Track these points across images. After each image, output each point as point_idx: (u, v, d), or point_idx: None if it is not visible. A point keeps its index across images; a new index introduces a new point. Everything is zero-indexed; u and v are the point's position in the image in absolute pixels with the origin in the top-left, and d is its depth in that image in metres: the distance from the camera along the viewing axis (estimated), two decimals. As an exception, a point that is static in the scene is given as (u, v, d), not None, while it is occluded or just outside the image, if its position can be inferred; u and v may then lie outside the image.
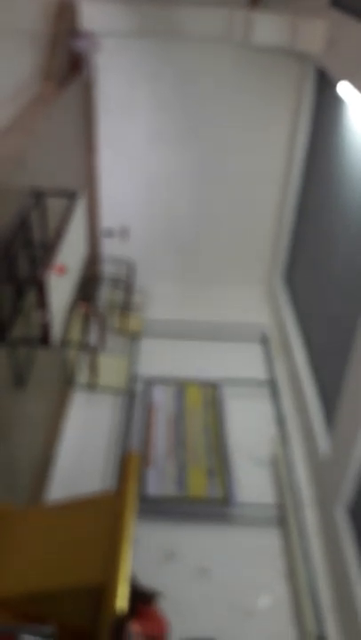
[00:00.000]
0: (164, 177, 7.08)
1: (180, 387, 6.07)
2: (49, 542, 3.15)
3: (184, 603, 4.01)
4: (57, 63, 5.21)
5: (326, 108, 5.86)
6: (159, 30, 5.66)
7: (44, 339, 3.65)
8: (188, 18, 5.44)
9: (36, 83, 4.88)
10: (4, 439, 3.95)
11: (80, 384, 6.03)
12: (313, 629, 3.98)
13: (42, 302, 3.48)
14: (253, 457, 5.36)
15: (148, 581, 3.38)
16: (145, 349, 6.66)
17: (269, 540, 4.64)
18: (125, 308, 7.05)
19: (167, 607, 3.35)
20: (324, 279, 5.73)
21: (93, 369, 5.99)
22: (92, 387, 6.00)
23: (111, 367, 6.19)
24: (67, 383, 5.92)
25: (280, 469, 5.12)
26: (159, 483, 4.98)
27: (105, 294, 7.31)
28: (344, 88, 4.51)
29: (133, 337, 6.80)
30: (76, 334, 5.79)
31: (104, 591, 2.72)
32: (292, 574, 4.38)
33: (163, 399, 5.91)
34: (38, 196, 4.21)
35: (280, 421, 5.76)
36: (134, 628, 2.78)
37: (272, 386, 6.22)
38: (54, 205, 4.40)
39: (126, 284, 7.30)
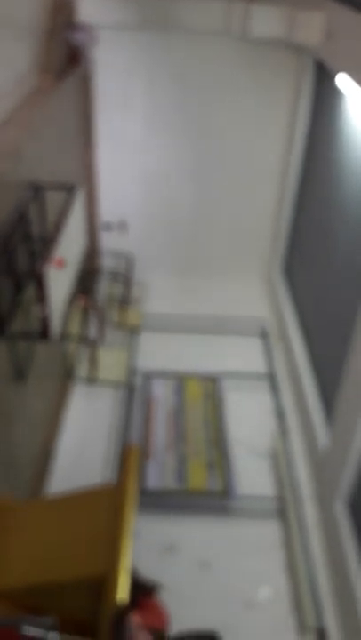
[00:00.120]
0: (163, 170, 7.07)
1: (180, 380, 6.08)
2: (50, 535, 3.16)
3: (184, 595, 4.02)
4: (55, 56, 5.19)
5: (325, 100, 5.84)
6: (157, 23, 5.63)
7: (44, 332, 3.65)
8: (185, 10, 5.42)
9: (33, 76, 4.86)
10: (4, 433, 3.96)
11: (80, 378, 6.04)
12: (312, 621, 4.01)
13: (41, 296, 3.48)
14: (253, 450, 5.37)
15: (149, 574, 3.39)
16: (144, 343, 6.66)
17: (269, 533, 4.66)
18: (124, 301, 7.05)
19: (168, 599, 3.36)
20: (323, 272, 5.73)
21: (93, 362, 6.00)
22: (91, 380, 6.01)
23: (111, 361, 6.19)
24: (66, 377, 5.93)
25: (280, 462, 5.14)
26: (159, 476, 4.99)
27: (104, 288, 7.31)
28: (343, 80, 4.50)
29: (133, 330, 6.80)
30: (75, 328, 5.79)
31: (105, 583, 2.73)
32: (291, 566, 4.40)
33: (162, 393, 5.92)
34: (37, 190, 4.20)
35: (279, 414, 5.78)
36: (135, 619, 2.80)
37: (271, 379, 6.23)
38: (53, 199, 4.39)
39: (125, 278, 7.30)
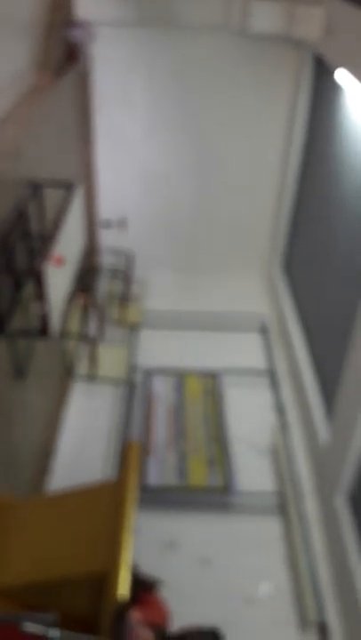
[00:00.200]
0: (162, 167, 7.06)
1: (180, 377, 6.08)
2: (50, 532, 3.17)
3: (185, 591, 4.03)
4: (53, 53, 5.18)
5: (324, 95, 5.83)
6: (156, 19, 5.62)
7: (43, 330, 3.65)
8: (184, 6, 5.41)
9: (31, 73, 4.85)
10: (4, 431, 3.96)
11: (80, 375, 6.05)
12: (314, 616, 4.02)
13: (40, 294, 3.48)
14: (253, 446, 5.38)
15: (150, 570, 3.40)
16: (144, 340, 6.66)
17: (270, 528, 4.67)
18: (124, 298, 7.05)
19: (168, 595, 3.37)
20: (323, 268, 5.73)
21: (93, 360, 6.00)
22: (91, 378, 6.01)
23: (111, 358, 6.20)
24: (66, 374, 5.93)
25: (280, 458, 5.15)
26: (160, 472, 5.00)
27: (104, 285, 7.30)
28: (342, 75, 4.49)
29: (132, 328, 6.80)
30: (75, 325, 5.79)
31: (105, 580, 2.74)
32: (292, 561, 4.41)
33: (162, 389, 5.92)
34: (35, 188, 4.20)
35: (280, 410, 5.78)
36: (136, 615, 2.80)
37: (272, 375, 6.23)
38: (52, 197, 4.39)
39: (125, 275, 7.30)
